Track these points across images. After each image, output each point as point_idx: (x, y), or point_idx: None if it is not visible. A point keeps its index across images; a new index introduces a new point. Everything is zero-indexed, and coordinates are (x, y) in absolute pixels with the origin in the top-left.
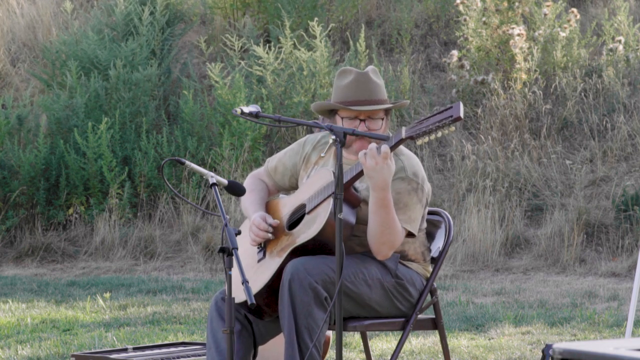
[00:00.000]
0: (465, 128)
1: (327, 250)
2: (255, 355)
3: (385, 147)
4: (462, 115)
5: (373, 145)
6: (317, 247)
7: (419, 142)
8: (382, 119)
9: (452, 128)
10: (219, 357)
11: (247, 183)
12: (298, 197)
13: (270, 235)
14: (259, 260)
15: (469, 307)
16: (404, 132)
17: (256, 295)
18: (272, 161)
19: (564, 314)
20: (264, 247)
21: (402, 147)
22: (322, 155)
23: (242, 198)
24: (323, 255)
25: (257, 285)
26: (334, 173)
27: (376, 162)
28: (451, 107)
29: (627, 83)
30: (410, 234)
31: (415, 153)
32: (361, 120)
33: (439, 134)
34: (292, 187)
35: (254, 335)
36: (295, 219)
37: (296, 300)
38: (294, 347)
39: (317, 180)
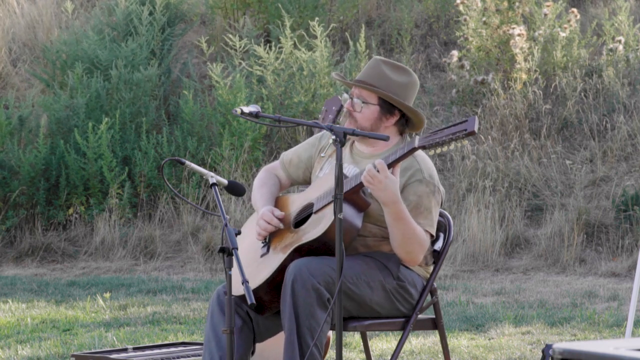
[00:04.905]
0: None
1: (331, 250)
2: (253, 352)
3: (379, 162)
4: (476, 129)
5: (370, 165)
6: (321, 247)
7: (431, 152)
8: (367, 105)
9: (465, 141)
10: (219, 351)
11: (259, 177)
12: (307, 195)
13: (281, 225)
14: (262, 255)
15: (469, 307)
16: (417, 142)
17: (257, 290)
18: (287, 154)
19: (564, 314)
20: (268, 242)
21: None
22: (322, 155)
23: (253, 191)
24: (326, 256)
25: (258, 279)
26: (345, 175)
27: (378, 179)
28: (466, 120)
29: (627, 83)
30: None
31: None
32: (350, 98)
33: (452, 146)
34: (306, 181)
35: (254, 332)
36: (302, 218)
37: (299, 301)
38: (295, 347)
39: (327, 180)
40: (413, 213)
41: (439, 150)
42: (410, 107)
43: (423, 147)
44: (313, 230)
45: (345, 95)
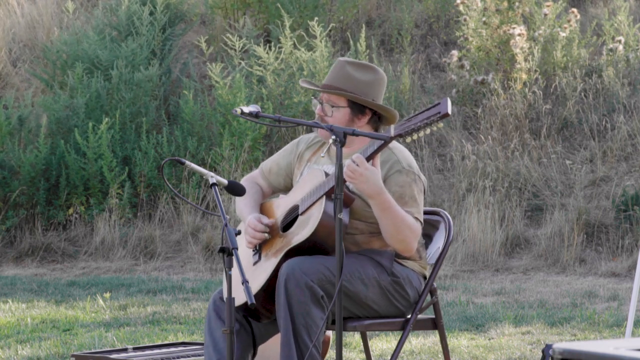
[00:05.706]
0: (465, 128)
1: (322, 250)
2: (254, 355)
3: (357, 156)
4: (449, 111)
5: (349, 160)
6: (311, 247)
7: (408, 139)
8: (337, 108)
9: (440, 124)
10: (217, 355)
11: None
12: (291, 198)
13: (267, 235)
14: (254, 263)
15: (469, 307)
16: (392, 131)
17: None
18: (266, 163)
19: (564, 314)
20: (259, 249)
21: (393, 142)
22: (322, 155)
23: (237, 201)
24: (318, 255)
25: (253, 287)
26: (326, 173)
27: (359, 173)
28: (439, 103)
29: (627, 83)
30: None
31: (415, 152)
32: (320, 103)
33: (428, 130)
34: (287, 188)
35: (254, 335)
36: (289, 221)
37: (293, 300)
38: (291, 347)
39: (309, 180)
40: (398, 203)
41: (415, 137)
42: (380, 104)
43: (400, 136)
44: (302, 231)
45: (315, 101)
